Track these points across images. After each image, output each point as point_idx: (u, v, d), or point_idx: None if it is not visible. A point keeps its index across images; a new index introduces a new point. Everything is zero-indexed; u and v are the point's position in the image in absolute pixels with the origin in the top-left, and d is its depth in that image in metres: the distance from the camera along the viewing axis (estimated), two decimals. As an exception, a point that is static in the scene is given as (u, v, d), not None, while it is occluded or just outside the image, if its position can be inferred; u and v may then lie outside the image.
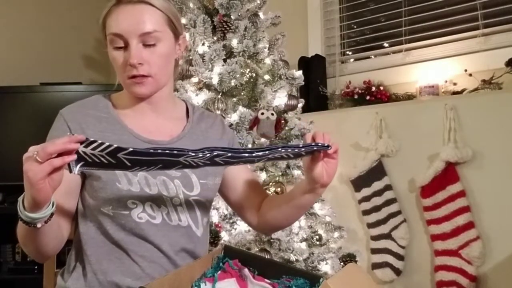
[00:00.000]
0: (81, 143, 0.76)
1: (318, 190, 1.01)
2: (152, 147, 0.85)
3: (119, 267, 1.00)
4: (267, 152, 0.91)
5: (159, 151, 0.81)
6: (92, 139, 0.77)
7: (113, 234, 0.99)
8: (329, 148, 0.95)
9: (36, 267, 2.42)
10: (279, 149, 0.92)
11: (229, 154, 0.88)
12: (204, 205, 1.08)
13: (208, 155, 0.85)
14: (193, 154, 0.84)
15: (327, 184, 0.99)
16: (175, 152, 0.82)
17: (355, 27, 2.62)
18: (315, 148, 0.95)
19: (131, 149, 0.79)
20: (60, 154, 0.75)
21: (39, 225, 0.83)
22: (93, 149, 0.77)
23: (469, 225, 1.90)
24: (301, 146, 0.95)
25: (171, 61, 1.06)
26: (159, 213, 1.01)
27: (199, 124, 1.13)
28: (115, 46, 0.99)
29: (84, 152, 0.77)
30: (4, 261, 2.57)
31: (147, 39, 0.98)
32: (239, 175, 1.16)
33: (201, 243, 1.09)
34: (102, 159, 0.79)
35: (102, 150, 0.77)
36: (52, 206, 0.83)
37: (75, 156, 0.76)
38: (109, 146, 0.77)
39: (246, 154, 0.90)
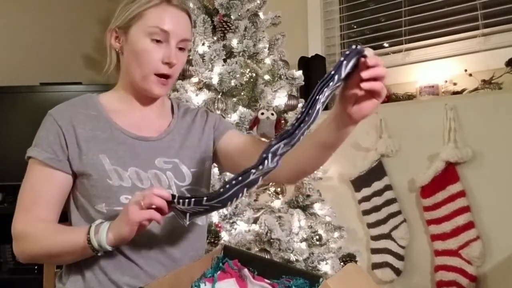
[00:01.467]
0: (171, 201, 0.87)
1: (346, 126, 0.88)
2: (222, 186, 0.83)
3: (116, 266, 1.00)
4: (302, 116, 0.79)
5: (228, 186, 0.81)
6: (175, 196, 0.86)
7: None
8: (364, 52, 0.76)
9: (36, 267, 2.42)
10: (317, 96, 0.75)
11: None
12: (198, 193, 1.09)
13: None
14: (254, 170, 0.79)
15: (358, 120, 0.85)
16: (240, 178, 0.80)
17: (355, 27, 2.62)
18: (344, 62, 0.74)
19: (205, 198, 0.83)
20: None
21: (100, 254, 0.92)
22: (182, 204, 0.85)
23: (469, 225, 1.90)
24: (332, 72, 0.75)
25: None
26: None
27: (184, 118, 1.17)
28: (154, 39, 1.01)
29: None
30: (4, 261, 2.57)
31: (183, 44, 1.04)
32: (232, 140, 1.14)
33: (198, 231, 1.10)
34: (196, 208, 0.86)
35: (188, 204, 0.85)
36: None
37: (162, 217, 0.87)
38: (190, 199, 0.84)
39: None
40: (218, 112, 1.71)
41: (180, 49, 1.04)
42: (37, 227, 0.99)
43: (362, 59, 0.76)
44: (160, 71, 1.02)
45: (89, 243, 0.90)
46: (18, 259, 1.04)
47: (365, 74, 0.75)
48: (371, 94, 0.79)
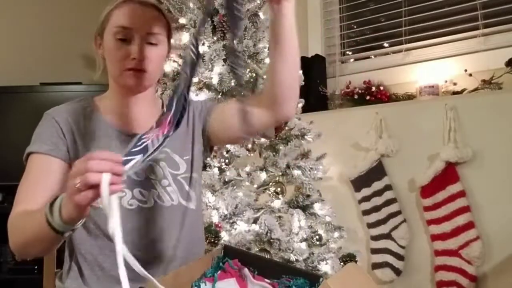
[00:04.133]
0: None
1: (279, 5, 0.97)
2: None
3: (114, 262, 0.99)
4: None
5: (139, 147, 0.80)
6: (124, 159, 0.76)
7: (104, 227, 1.00)
8: None
9: (36, 267, 2.42)
10: None
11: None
12: (194, 180, 1.12)
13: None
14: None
15: None
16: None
17: (355, 27, 2.62)
18: None
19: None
20: None
21: (66, 234, 0.84)
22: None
23: (469, 225, 1.90)
24: None
25: (163, 63, 1.14)
26: (150, 196, 1.05)
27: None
28: (118, 38, 1.02)
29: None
30: (4, 261, 2.57)
31: (151, 38, 1.04)
32: (220, 115, 1.14)
33: (195, 216, 1.12)
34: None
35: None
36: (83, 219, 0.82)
37: (121, 186, 0.74)
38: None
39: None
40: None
41: (151, 44, 1.04)
42: (20, 216, 0.95)
43: None
44: (128, 67, 1.02)
45: (49, 224, 0.81)
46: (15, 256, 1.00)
47: None
48: None
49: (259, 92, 1.05)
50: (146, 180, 1.05)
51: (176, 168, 1.09)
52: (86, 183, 0.71)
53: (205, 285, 0.84)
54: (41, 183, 1.00)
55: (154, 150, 0.80)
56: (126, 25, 1.02)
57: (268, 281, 0.85)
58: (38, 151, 1.01)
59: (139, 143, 0.80)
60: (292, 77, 1.01)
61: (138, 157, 0.77)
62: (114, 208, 0.71)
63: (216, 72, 1.77)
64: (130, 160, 0.76)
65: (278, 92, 1.02)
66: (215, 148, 1.37)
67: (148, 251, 1.03)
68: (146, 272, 0.74)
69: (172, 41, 1.15)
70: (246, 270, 0.87)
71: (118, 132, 1.08)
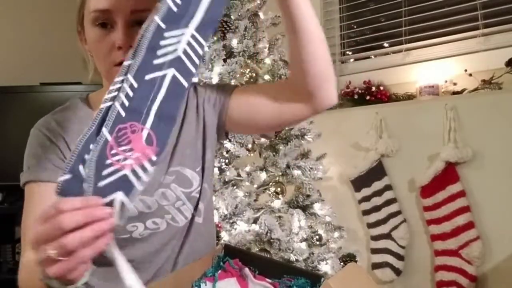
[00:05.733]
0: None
1: None
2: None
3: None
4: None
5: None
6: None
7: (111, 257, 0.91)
8: None
9: (36, 267, 2.42)
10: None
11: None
12: (204, 190, 0.97)
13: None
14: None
15: None
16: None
17: (355, 27, 2.62)
18: None
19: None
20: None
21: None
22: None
23: (469, 225, 1.90)
24: None
25: None
26: (163, 221, 0.92)
27: None
28: (97, 23, 0.82)
29: None
30: (4, 261, 2.56)
31: (137, 17, 0.81)
32: (242, 106, 0.94)
33: (201, 229, 0.99)
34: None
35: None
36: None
37: (110, 238, 0.56)
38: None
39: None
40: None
41: (139, 23, 0.78)
42: (30, 269, 0.75)
43: None
44: (117, 61, 0.82)
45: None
46: None
47: None
48: None
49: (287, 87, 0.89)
50: (159, 208, 0.91)
51: (189, 185, 0.93)
52: (64, 250, 0.53)
53: (206, 285, 0.84)
54: None
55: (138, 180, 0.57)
56: (103, 7, 0.81)
57: (269, 280, 0.85)
58: (36, 179, 0.85)
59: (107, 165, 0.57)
60: (323, 59, 0.83)
61: (118, 196, 0.56)
62: (122, 264, 0.57)
63: (216, 72, 1.77)
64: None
65: (314, 83, 0.84)
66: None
67: (151, 271, 0.93)
68: None
69: None
70: (247, 270, 0.86)
71: None
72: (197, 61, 0.65)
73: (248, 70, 1.85)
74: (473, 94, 2.03)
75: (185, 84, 0.64)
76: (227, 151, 1.73)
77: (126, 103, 0.60)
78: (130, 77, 0.62)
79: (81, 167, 0.57)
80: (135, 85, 0.61)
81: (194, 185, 0.94)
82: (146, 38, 0.64)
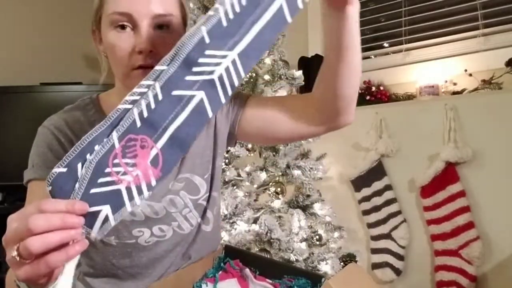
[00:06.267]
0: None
1: (335, 16, 0.76)
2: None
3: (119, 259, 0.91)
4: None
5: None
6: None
7: (116, 263, 0.90)
8: None
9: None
10: None
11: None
12: (212, 199, 0.97)
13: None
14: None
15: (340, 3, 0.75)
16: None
17: (355, 27, 2.61)
18: None
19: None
20: None
21: None
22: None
23: (469, 225, 1.90)
24: None
25: None
26: (169, 229, 0.91)
27: None
28: (116, 26, 0.79)
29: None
30: (4, 261, 2.56)
31: (159, 21, 0.80)
32: (256, 117, 0.93)
33: (208, 237, 0.98)
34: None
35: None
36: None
37: (85, 244, 0.53)
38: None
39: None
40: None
41: (161, 28, 0.80)
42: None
43: None
44: (136, 65, 0.79)
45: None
46: None
47: None
48: None
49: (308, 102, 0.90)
50: (167, 214, 0.90)
51: (196, 192, 0.93)
52: (27, 252, 0.50)
53: (206, 286, 0.84)
54: None
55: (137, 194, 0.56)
56: (124, 10, 0.78)
57: (270, 281, 0.85)
58: (40, 178, 0.83)
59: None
60: (357, 84, 0.84)
61: (104, 209, 0.55)
62: (65, 278, 0.53)
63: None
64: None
65: (342, 105, 0.85)
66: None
67: (154, 277, 0.93)
68: None
69: (188, 20, 0.89)
70: (247, 270, 0.87)
71: None
72: (229, 91, 0.60)
73: (248, 70, 1.85)
74: (473, 94, 2.03)
75: (210, 113, 0.59)
76: (227, 151, 1.73)
77: (145, 113, 0.57)
78: (157, 86, 0.58)
79: (79, 165, 0.55)
80: (160, 97, 0.58)
81: (201, 192, 0.93)
82: (186, 49, 0.59)
